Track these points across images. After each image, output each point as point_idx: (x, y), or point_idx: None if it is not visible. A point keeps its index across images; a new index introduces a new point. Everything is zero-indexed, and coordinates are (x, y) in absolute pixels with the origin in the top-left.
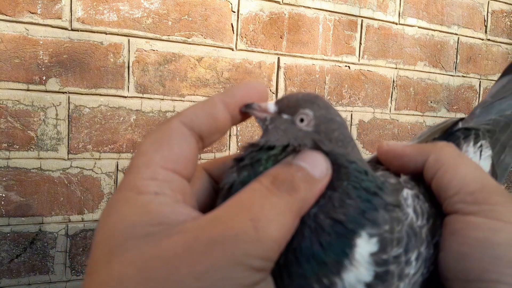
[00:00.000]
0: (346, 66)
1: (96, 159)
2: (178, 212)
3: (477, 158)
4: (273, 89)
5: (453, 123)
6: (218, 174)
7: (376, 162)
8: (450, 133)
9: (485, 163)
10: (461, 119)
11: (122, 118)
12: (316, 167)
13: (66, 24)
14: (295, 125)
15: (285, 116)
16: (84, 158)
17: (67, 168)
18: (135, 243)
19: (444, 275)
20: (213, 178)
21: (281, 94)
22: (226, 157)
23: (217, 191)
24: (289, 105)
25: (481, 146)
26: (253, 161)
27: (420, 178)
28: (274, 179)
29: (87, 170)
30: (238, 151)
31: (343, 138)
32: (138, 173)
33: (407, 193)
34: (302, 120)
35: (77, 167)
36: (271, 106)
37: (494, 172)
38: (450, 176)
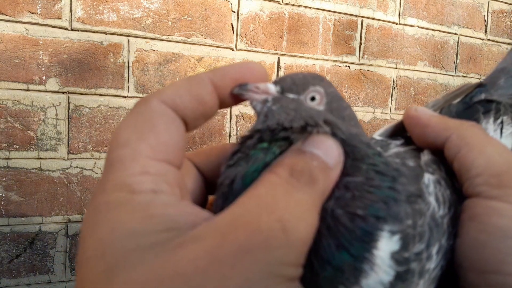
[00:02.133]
0: (346, 66)
1: (96, 159)
2: (185, 212)
3: (498, 136)
4: None
5: (472, 88)
6: (204, 167)
7: (401, 127)
8: (469, 105)
9: (507, 141)
10: (481, 84)
11: (122, 118)
12: (329, 154)
13: (66, 24)
14: (304, 104)
15: (291, 96)
16: (84, 158)
17: (67, 168)
18: (142, 256)
19: (459, 263)
20: (199, 170)
21: None
22: (211, 148)
23: (206, 183)
24: (295, 83)
25: (502, 122)
26: (260, 148)
27: (441, 156)
28: (291, 170)
29: (87, 170)
30: (224, 142)
31: (353, 116)
32: (124, 168)
33: (429, 179)
34: (313, 99)
35: (77, 167)
36: (271, 86)
37: None
38: (474, 155)
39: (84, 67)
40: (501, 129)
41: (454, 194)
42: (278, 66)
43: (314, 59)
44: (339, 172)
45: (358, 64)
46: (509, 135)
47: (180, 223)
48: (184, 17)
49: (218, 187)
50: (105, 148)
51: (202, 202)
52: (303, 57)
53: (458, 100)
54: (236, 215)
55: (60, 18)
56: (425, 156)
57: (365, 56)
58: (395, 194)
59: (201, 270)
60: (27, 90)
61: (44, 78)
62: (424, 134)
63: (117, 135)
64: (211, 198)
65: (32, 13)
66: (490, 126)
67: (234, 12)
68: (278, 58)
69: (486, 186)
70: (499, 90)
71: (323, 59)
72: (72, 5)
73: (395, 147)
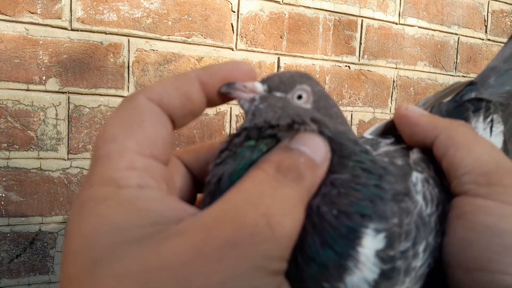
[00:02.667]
0: (346, 66)
1: None
2: (171, 207)
3: (488, 134)
4: None
5: (462, 87)
6: (192, 164)
7: (391, 126)
8: (459, 103)
9: (497, 140)
10: (471, 83)
11: None
12: (316, 151)
13: (66, 24)
14: (291, 102)
15: (278, 94)
16: (84, 158)
17: (67, 168)
18: (127, 250)
19: (447, 262)
20: (188, 168)
21: None
22: (200, 146)
23: (194, 181)
24: (282, 82)
25: (491, 121)
26: (247, 146)
27: (431, 155)
28: (278, 166)
29: (87, 170)
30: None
31: (340, 114)
32: (111, 163)
33: (417, 178)
34: (300, 97)
35: (77, 167)
36: (258, 85)
37: (506, 149)
38: (463, 154)
39: (84, 67)
40: (491, 127)
41: (443, 192)
42: (278, 66)
43: (314, 59)
44: (325, 169)
45: (358, 64)
46: (499, 133)
47: (166, 217)
48: (184, 17)
49: (206, 185)
50: None
51: (190, 200)
52: (303, 57)
53: (448, 98)
54: (222, 210)
55: (60, 18)
56: (414, 155)
57: (365, 56)
58: (381, 193)
59: (186, 264)
60: (27, 90)
61: (44, 78)
62: (413, 133)
63: (104, 131)
64: (199, 196)
65: (32, 13)
66: (479, 124)
67: (234, 12)
68: (278, 58)
69: (474, 184)
70: (489, 89)
71: (323, 59)
72: (72, 5)
73: (385, 146)
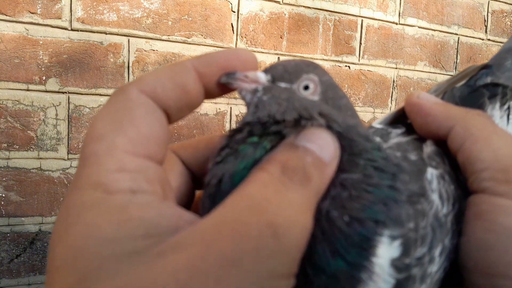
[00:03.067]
0: (346, 66)
1: None
2: (166, 215)
3: (504, 123)
4: None
5: (476, 70)
6: (190, 160)
7: (402, 114)
8: (474, 89)
9: None
10: (486, 66)
11: None
12: (324, 148)
13: (66, 24)
14: (297, 94)
15: (282, 85)
16: None
17: (67, 168)
18: (117, 266)
19: (463, 264)
20: (185, 163)
21: None
22: (198, 140)
23: (193, 178)
24: (287, 71)
25: (509, 108)
26: (250, 143)
27: (445, 147)
28: (283, 167)
29: None
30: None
31: (350, 106)
32: (99, 163)
33: (432, 174)
34: (306, 88)
35: (77, 167)
36: (260, 75)
37: None
38: (480, 147)
39: (84, 67)
40: (508, 115)
41: (459, 188)
42: None
43: (314, 59)
44: (335, 168)
45: (358, 64)
46: None
47: (160, 227)
48: (184, 17)
49: (205, 186)
50: None
51: (188, 199)
52: (303, 57)
53: (462, 83)
54: (222, 218)
55: (60, 18)
56: (428, 148)
57: (365, 56)
58: (396, 194)
59: (182, 284)
60: (27, 90)
61: (44, 78)
62: (426, 124)
63: (92, 127)
64: (198, 193)
65: (32, 13)
66: (496, 112)
67: (234, 12)
68: (278, 58)
69: (492, 181)
70: (506, 72)
71: (323, 59)
72: (72, 5)
73: (396, 137)
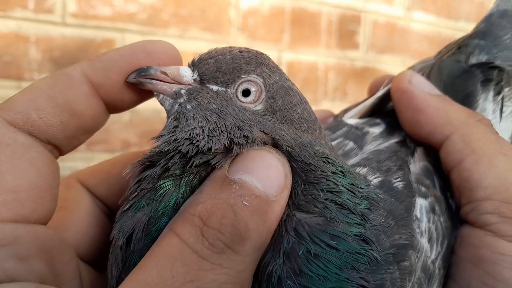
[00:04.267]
0: (350, 62)
1: (89, 159)
2: None
3: (497, 119)
4: None
5: (466, 38)
6: (102, 191)
7: (384, 101)
8: (466, 68)
9: (507, 125)
10: (479, 33)
11: (115, 117)
12: (269, 178)
13: (58, 19)
14: (233, 101)
15: (214, 88)
16: (76, 158)
17: (60, 169)
18: None
19: None
20: (97, 196)
21: None
22: (111, 164)
23: (108, 214)
24: (221, 69)
25: (502, 99)
26: (164, 184)
27: (436, 158)
28: (204, 226)
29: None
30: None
31: (307, 116)
32: None
33: (421, 206)
34: (246, 94)
35: (69, 168)
36: (185, 71)
37: None
38: (482, 169)
39: None
40: (501, 108)
41: (449, 219)
42: (280, 62)
43: (317, 55)
44: (284, 203)
45: (362, 60)
46: (509, 115)
47: None
48: (181, 11)
49: (112, 246)
50: (98, 148)
51: (101, 238)
52: (305, 52)
53: (450, 53)
54: None
55: (52, 13)
56: (416, 165)
57: (370, 52)
58: (373, 253)
59: None
60: (19, 88)
61: (36, 75)
62: (416, 123)
63: None
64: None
65: (24, 8)
66: (488, 105)
67: (233, 5)
68: (280, 53)
69: (496, 216)
70: (505, 50)
71: (326, 55)
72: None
73: (373, 141)
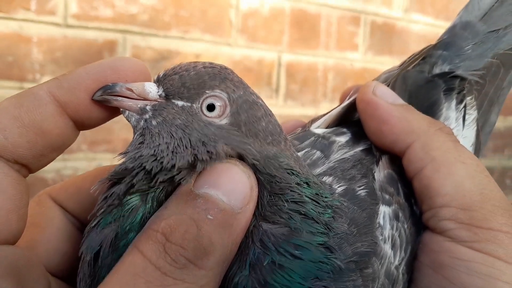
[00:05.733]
0: (349, 63)
1: (91, 159)
2: None
3: (460, 127)
4: (274, 86)
5: (429, 50)
6: (73, 206)
7: (350, 110)
8: (429, 78)
9: (469, 132)
10: (440, 45)
11: (117, 117)
12: (235, 191)
13: (60, 21)
14: (199, 116)
15: (179, 103)
16: (78, 158)
17: (61, 169)
18: None
19: None
20: (68, 211)
21: (282, 92)
22: (83, 178)
23: (81, 229)
24: (185, 85)
25: (465, 107)
26: (130, 201)
27: (400, 165)
28: (167, 242)
29: (81, 171)
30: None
31: (272, 129)
32: None
33: (384, 216)
34: (211, 108)
35: (71, 168)
36: (150, 87)
37: (478, 141)
38: (441, 177)
39: (79, 65)
40: (464, 116)
41: (413, 225)
42: (279, 63)
43: (316, 56)
44: (250, 215)
45: (361, 61)
46: (472, 123)
47: None
48: (182, 13)
49: (80, 261)
50: (100, 148)
51: (74, 253)
52: (305, 54)
53: (415, 64)
54: None
55: (54, 15)
56: (381, 173)
57: (369, 53)
58: (336, 261)
59: None
60: (21, 88)
61: (38, 76)
62: (380, 133)
63: None
64: None
65: (26, 9)
66: (452, 113)
67: (233, 7)
68: (279, 54)
69: (453, 222)
70: (467, 60)
71: (326, 56)
72: (66, 1)
73: (340, 149)
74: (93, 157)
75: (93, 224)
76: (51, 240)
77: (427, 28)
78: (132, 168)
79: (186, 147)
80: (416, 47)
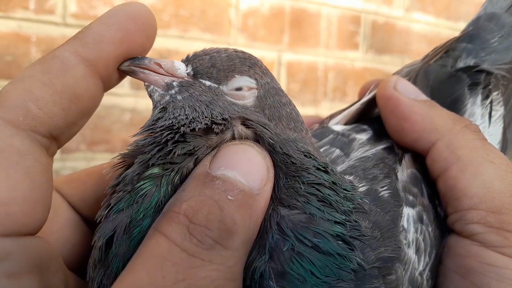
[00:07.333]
0: (350, 62)
1: (90, 159)
2: None
3: (486, 124)
4: None
5: (453, 42)
6: (77, 201)
7: (370, 107)
8: (452, 73)
9: (496, 129)
10: (464, 37)
11: (116, 117)
12: (252, 172)
13: (59, 20)
14: (225, 97)
15: (207, 83)
16: (77, 158)
17: (60, 169)
18: None
19: None
20: (71, 205)
21: None
22: (88, 173)
23: (88, 221)
24: (215, 66)
25: (491, 102)
26: (145, 183)
27: (424, 165)
28: (190, 223)
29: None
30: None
31: (295, 116)
32: None
33: (408, 218)
34: (238, 91)
35: (70, 168)
36: (180, 65)
37: (505, 139)
38: (468, 177)
39: None
40: (490, 113)
41: (437, 228)
42: (279, 63)
43: (317, 55)
44: (268, 196)
45: (362, 60)
46: (499, 119)
47: None
48: (182, 12)
49: (92, 250)
50: (99, 148)
51: (83, 245)
52: (305, 53)
53: (437, 57)
54: None
55: (53, 14)
56: (404, 172)
57: (370, 52)
58: (357, 259)
59: None
60: None
61: None
62: (402, 130)
63: None
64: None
65: (25, 8)
66: (477, 109)
67: (233, 6)
68: (279, 54)
69: (482, 226)
70: (493, 54)
71: (326, 56)
72: (65, 0)
73: (360, 147)
74: (92, 157)
75: (105, 211)
76: (61, 231)
77: (428, 27)
78: (146, 143)
79: (205, 117)
80: (417, 46)
